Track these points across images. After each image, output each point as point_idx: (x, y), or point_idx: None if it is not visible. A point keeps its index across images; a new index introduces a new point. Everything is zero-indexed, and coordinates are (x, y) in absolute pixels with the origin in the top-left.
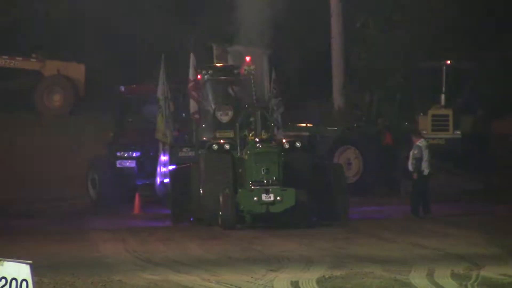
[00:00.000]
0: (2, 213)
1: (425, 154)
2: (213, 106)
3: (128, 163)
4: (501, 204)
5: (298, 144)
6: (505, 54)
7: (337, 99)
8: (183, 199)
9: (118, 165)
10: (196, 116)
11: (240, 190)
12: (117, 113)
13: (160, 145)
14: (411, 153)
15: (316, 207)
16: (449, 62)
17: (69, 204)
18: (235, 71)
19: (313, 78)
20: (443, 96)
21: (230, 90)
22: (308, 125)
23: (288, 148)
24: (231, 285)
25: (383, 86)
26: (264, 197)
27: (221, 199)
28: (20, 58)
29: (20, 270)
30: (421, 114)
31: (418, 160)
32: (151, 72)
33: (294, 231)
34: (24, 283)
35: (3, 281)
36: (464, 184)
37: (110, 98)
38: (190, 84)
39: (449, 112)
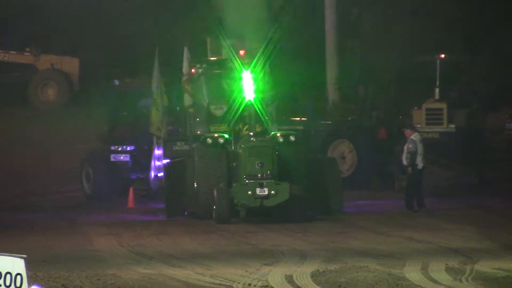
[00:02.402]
0: None
1: (420, 148)
2: (207, 100)
3: (122, 157)
4: (495, 198)
5: (292, 138)
6: (500, 47)
7: (331, 93)
8: (177, 193)
9: (112, 159)
10: (191, 110)
11: (234, 184)
12: (111, 107)
13: (154, 139)
14: (405, 147)
15: (310, 201)
16: (443, 55)
17: (63, 198)
18: (229, 65)
19: (307, 71)
20: (437, 90)
21: (224, 84)
22: (302, 119)
23: (282, 142)
24: (225, 279)
25: (377, 80)
26: (258, 191)
27: (215, 193)
28: (14, 52)
29: (14, 264)
30: (415, 107)
31: (413, 154)
32: (145, 65)
33: (288, 225)
34: (18, 277)
35: None
36: (458, 177)
37: (104, 92)
38: (184, 78)
39: (443, 105)
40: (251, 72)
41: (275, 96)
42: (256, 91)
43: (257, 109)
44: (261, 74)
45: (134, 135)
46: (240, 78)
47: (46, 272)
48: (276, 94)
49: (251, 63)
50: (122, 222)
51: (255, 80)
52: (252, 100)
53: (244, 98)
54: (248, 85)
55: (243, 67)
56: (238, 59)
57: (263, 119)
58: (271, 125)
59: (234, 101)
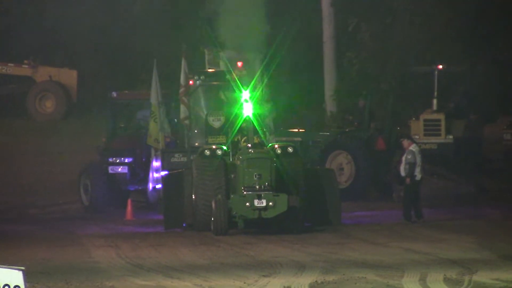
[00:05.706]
0: None
1: (418, 159)
2: (205, 112)
3: (120, 169)
4: (493, 208)
5: (290, 150)
6: (497, 57)
7: (329, 104)
8: (175, 205)
9: (110, 171)
10: (186, 122)
11: (232, 195)
12: (109, 118)
13: (152, 151)
14: (403, 158)
15: (308, 212)
16: (440, 66)
17: (61, 210)
18: (227, 77)
19: (305, 82)
20: (435, 101)
21: (222, 96)
22: (300, 130)
23: (280, 153)
24: None
25: (375, 91)
26: (256, 202)
27: (213, 204)
28: (12, 64)
29: (12, 276)
30: (413, 118)
31: (412, 165)
32: (143, 77)
33: (286, 237)
34: None
35: None
36: (456, 188)
37: (102, 104)
38: (181, 90)
39: (441, 116)
40: (250, 86)
41: (272, 108)
42: (254, 104)
43: (254, 121)
44: (259, 87)
45: (132, 147)
46: (238, 90)
47: (44, 284)
48: (273, 105)
49: (249, 75)
50: (120, 234)
51: (253, 93)
52: (250, 113)
53: (242, 110)
54: (246, 99)
55: (241, 81)
56: (235, 71)
57: (261, 130)
58: (269, 136)
59: (232, 112)
